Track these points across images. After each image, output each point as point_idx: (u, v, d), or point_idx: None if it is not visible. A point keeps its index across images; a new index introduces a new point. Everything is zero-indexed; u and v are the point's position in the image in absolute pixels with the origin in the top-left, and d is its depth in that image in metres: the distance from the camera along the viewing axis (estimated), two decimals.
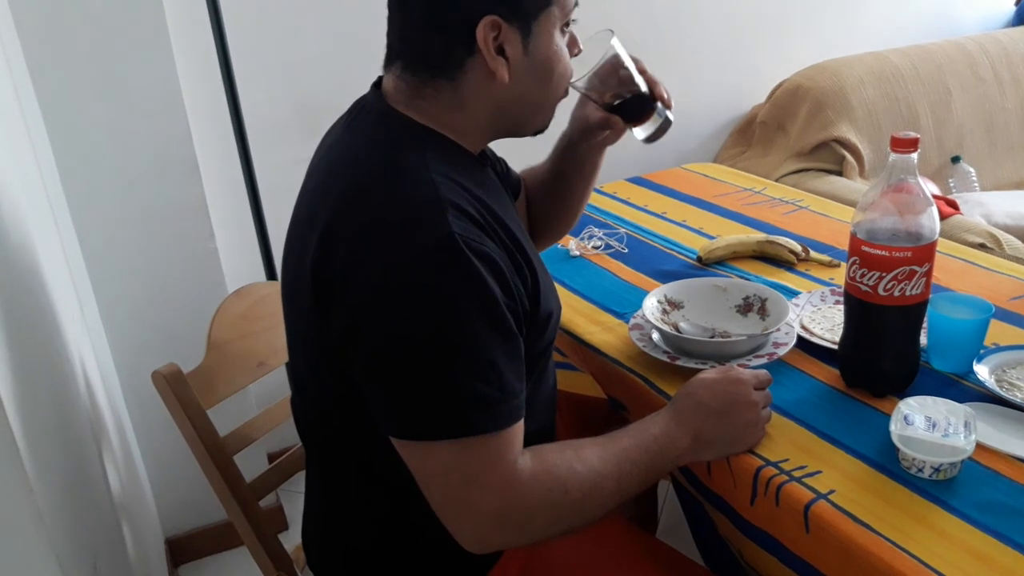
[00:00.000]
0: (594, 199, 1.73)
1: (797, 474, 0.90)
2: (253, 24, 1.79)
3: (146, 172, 1.59)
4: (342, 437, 0.94)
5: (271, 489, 1.18)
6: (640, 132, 1.06)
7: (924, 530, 0.81)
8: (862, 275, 0.96)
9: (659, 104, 1.04)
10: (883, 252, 0.93)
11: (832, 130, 2.30)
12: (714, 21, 2.38)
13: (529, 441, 0.85)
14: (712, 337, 1.14)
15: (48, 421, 0.94)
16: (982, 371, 1.01)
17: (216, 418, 1.11)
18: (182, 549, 1.89)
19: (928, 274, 0.95)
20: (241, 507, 1.10)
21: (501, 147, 1.02)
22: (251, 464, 1.21)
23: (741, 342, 1.09)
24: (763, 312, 1.17)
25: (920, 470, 0.87)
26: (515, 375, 0.82)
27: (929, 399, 0.93)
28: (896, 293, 0.94)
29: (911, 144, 0.92)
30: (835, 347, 1.08)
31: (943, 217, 1.97)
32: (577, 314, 1.27)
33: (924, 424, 0.89)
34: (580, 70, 0.98)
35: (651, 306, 1.17)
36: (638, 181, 1.85)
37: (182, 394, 1.07)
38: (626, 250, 1.49)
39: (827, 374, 1.07)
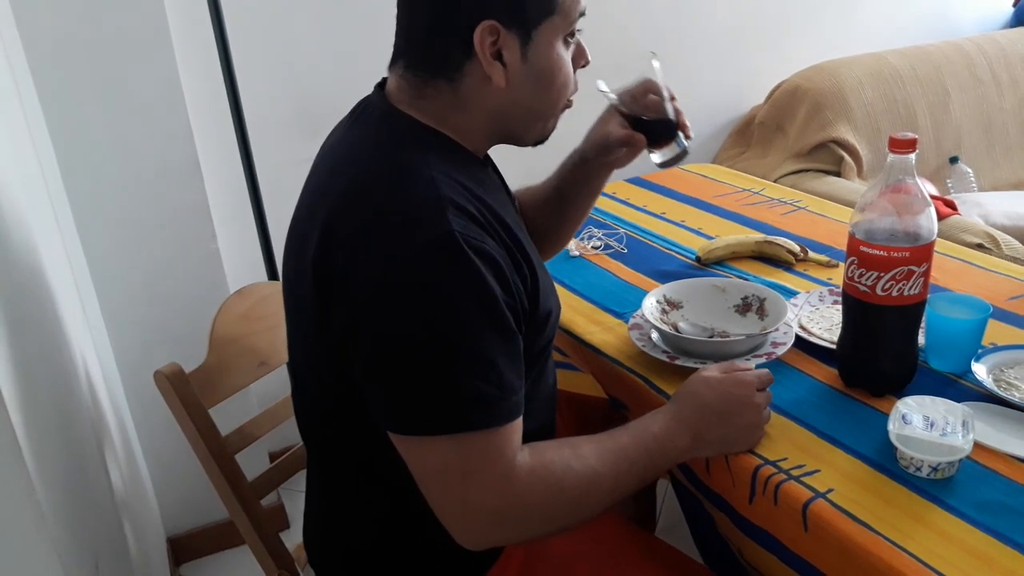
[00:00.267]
0: None
1: (796, 473, 0.90)
2: (254, 23, 1.79)
3: (148, 172, 1.59)
4: (342, 436, 0.94)
5: (272, 488, 1.19)
6: (657, 156, 1.10)
7: (922, 529, 0.81)
8: (860, 275, 0.96)
9: (681, 134, 1.08)
10: (881, 252, 0.94)
11: (830, 131, 2.30)
12: (713, 22, 2.38)
13: (528, 439, 0.85)
14: (711, 337, 1.14)
15: (50, 420, 0.94)
16: (980, 371, 1.02)
17: (217, 417, 1.11)
18: (184, 548, 1.89)
19: (926, 274, 0.95)
20: (242, 506, 1.10)
21: (501, 155, 1.02)
22: (252, 463, 1.21)
23: (740, 342, 1.10)
24: (762, 312, 1.18)
25: (918, 469, 0.88)
26: (514, 372, 0.82)
27: (927, 398, 0.94)
28: (894, 293, 0.95)
29: (909, 145, 0.92)
30: (833, 347, 1.08)
31: (941, 217, 1.98)
32: (577, 314, 1.28)
33: (922, 423, 0.89)
34: (616, 83, 1.04)
35: (650, 306, 1.17)
36: (637, 182, 1.85)
37: (184, 393, 1.07)
38: (625, 250, 1.50)
39: (825, 374, 1.07)
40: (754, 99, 2.52)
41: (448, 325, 0.78)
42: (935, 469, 0.87)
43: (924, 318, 1.01)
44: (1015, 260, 1.46)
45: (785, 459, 0.92)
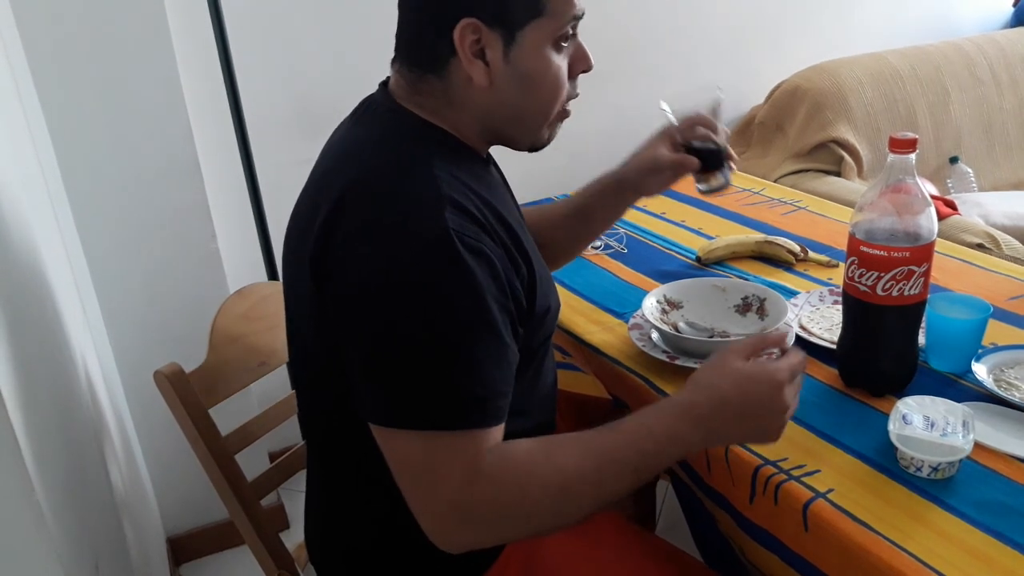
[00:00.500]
0: None
1: (796, 473, 0.90)
2: (254, 23, 1.79)
3: (148, 172, 1.59)
4: (342, 434, 0.94)
5: (272, 488, 1.19)
6: (703, 183, 1.14)
7: (922, 529, 0.81)
8: (860, 275, 0.96)
9: (727, 165, 1.12)
10: (881, 252, 0.94)
11: (830, 131, 2.30)
12: (713, 22, 2.38)
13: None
14: (711, 337, 1.14)
15: (50, 420, 0.94)
16: (980, 371, 1.02)
17: (217, 417, 1.11)
18: (183, 548, 1.89)
19: (926, 274, 0.95)
20: (242, 506, 1.10)
21: (500, 155, 1.02)
22: (252, 463, 1.21)
23: (740, 342, 1.09)
24: (762, 312, 1.18)
25: (919, 469, 0.88)
26: (498, 375, 0.81)
27: (927, 399, 0.94)
28: (894, 293, 0.95)
29: (909, 145, 0.92)
30: (834, 347, 1.08)
31: (941, 217, 1.98)
32: (577, 314, 1.28)
33: (922, 423, 0.89)
34: (679, 105, 1.11)
35: (650, 306, 1.17)
36: None
37: (184, 393, 1.07)
38: (625, 250, 1.50)
39: (826, 374, 1.07)
40: (754, 99, 2.52)
41: (435, 323, 0.78)
42: (935, 469, 0.87)
43: (924, 318, 1.01)
44: (1015, 260, 1.46)
45: (785, 459, 0.92)
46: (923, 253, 0.94)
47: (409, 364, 0.78)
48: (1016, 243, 1.96)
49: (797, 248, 1.40)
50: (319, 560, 1.05)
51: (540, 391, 1.00)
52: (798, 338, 1.12)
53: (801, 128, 2.34)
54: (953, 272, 1.32)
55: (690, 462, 1.03)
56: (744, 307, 1.19)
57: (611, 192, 1.17)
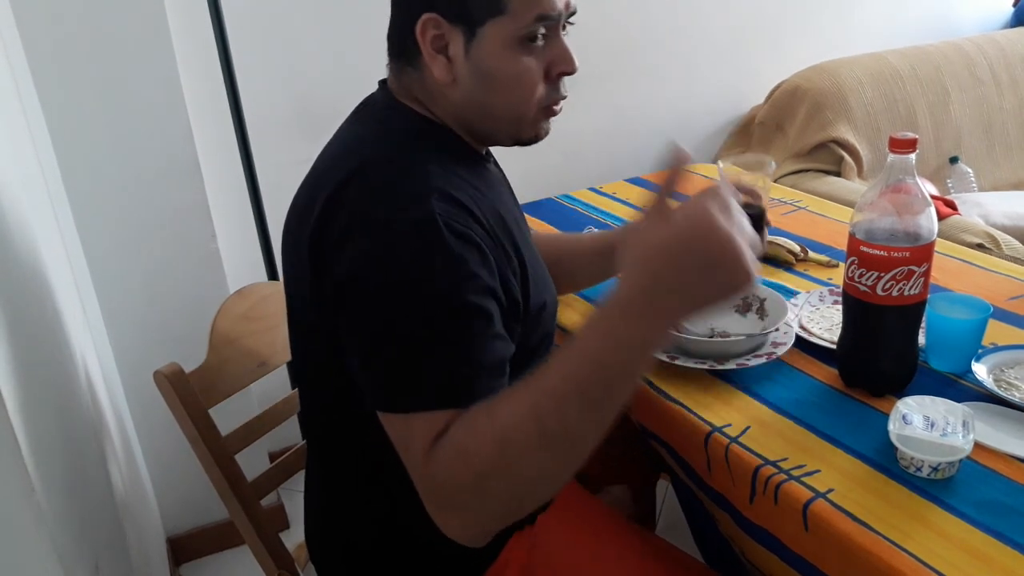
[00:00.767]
0: (594, 199, 1.74)
1: (796, 473, 0.90)
2: (254, 23, 1.79)
3: (148, 172, 1.59)
4: (342, 430, 0.95)
5: (272, 488, 1.19)
6: None
7: (923, 529, 0.81)
8: (860, 275, 0.96)
9: (765, 229, 1.13)
10: (881, 252, 0.94)
11: (830, 131, 2.30)
12: (713, 22, 2.38)
13: None
14: (711, 336, 1.14)
15: (50, 421, 0.94)
16: (980, 371, 1.02)
17: (217, 417, 1.11)
18: (183, 548, 1.89)
19: (926, 274, 0.95)
20: (242, 506, 1.10)
21: (500, 155, 1.02)
22: (252, 463, 1.21)
23: (740, 342, 1.10)
24: (762, 312, 1.18)
25: (919, 469, 0.88)
26: (464, 358, 0.76)
27: (927, 398, 0.94)
28: (894, 293, 0.95)
29: (909, 145, 0.92)
30: (834, 347, 1.08)
31: (941, 217, 1.98)
32: (577, 314, 1.28)
33: (922, 423, 0.89)
34: (731, 161, 1.18)
35: None
36: (637, 182, 1.85)
37: (184, 393, 1.07)
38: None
39: (826, 374, 1.07)
40: (754, 99, 2.52)
41: (416, 307, 0.77)
42: (935, 469, 0.87)
43: (924, 318, 1.01)
44: (1015, 260, 1.46)
45: (785, 459, 0.92)
46: (923, 253, 0.94)
47: (391, 348, 0.78)
48: (1016, 243, 1.96)
49: (797, 248, 1.40)
50: (319, 560, 1.05)
51: None
52: (798, 338, 1.13)
53: (801, 128, 2.35)
54: (953, 272, 1.32)
55: (690, 462, 1.03)
56: (744, 307, 1.19)
57: None
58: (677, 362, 1.08)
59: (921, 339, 1.02)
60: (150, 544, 1.59)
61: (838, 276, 1.32)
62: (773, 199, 1.70)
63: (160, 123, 1.57)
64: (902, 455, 0.89)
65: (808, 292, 1.26)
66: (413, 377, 0.77)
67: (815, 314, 1.19)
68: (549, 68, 0.89)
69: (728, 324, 1.18)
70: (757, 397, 1.04)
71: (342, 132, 0.94)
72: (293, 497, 1.94)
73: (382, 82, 0.96)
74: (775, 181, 2.04)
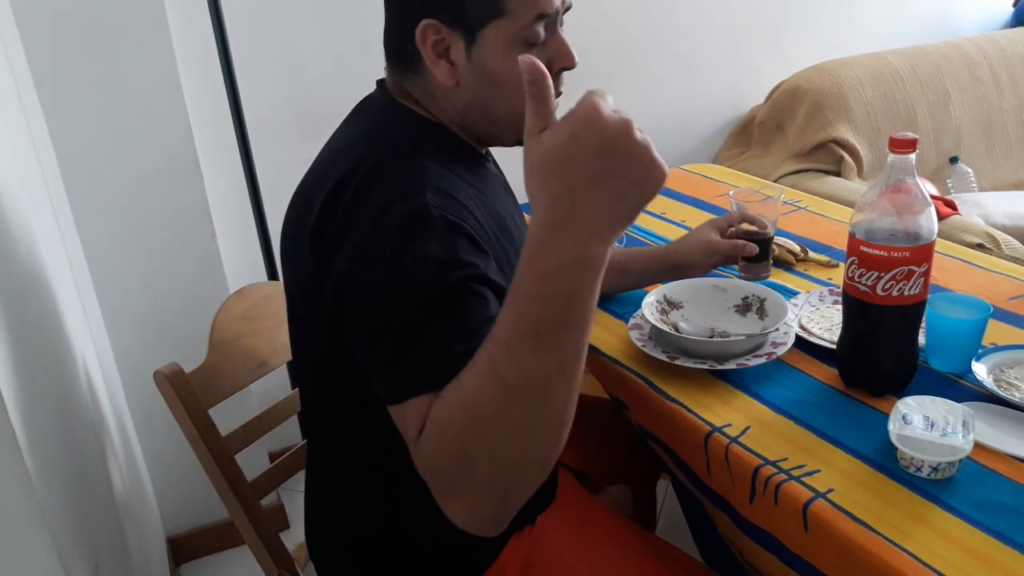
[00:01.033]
0: None
1: (796, 473, 0.90)
2: (254, 23, 1.79)
3: (148, 172, 1.59)
4: (342, 431, 0.95)
5: (272, 488, 1.19)
6: (747, 269, 1.29)
7: (922, 529, 0.81)
8: (860, 275, 0.96)
9: (770, 257, 1.31)
10: (881, 252, 0.94)
11: (830, 131, 2.30)
12: (713, 22, 2.38)
13: None
14: (711, 337, 1.14)
15: (50, 421, 0.94)
16: (980, 371, 1.02)
17: (217, 417, 1.11)
18: (183, 548, 1.89)
19: (926, 274, 0.95)
20: (242, 506, 1.11)
21: (500, 154, 1.02)
22: (252, 463, 1.21)
23: (740, 342, 1.10)
24: (762, 312, 1.18)
25: (918, 469, 0.88)
26: (457, 339, 0.73)
27: (927, 399, 0.94)
28: (894, 293, 0.95)
29: (909, 145, 0.92)
30: (834, 347, 1.08)
31: (941, 217, 1.98)
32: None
33: (922, 423, 0.89)
34: (744, 199, 1.29)
35: (650, 306, 1.17)
36: None
37: (184, 393, 1.07)
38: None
39: (826, 374, 1.07)
40: (754, 99, 2.52)
41: (406, 298, 0.76)
42: (935, 469, 0.87)
43: (924, 318, 1.01)
44: (1015, 260, 1.46)
45: (785, 459, 0.92)
46: (923, 253, 0.94)
47: (390, 340, 0.76)
48: (1016, 243, 1.96)
49: (797, 248, 1.40)
50: (319, 559, 1.05)
51: None
52: (798, 338, 1.13)
53: (801, 128, 2.35)
54: (953, 272, 1.32)
55: (689, 463, 1.03)
56: (744, 307, 1.19)
57: (659, 262, 1.27)
58: (677, 362, 1.08)
59: (921, 339, 1.02)
60: (150, 544, 1.59)
61: (838, 276, 1.32)
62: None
63: (160, 123, 1.57)
64: (902, 455, 0.89)
65: (808, 292, 1.26)
66: (408, 366, 0.76)
67: (815, 314, 1.19)
68: (550, 64, 0.88)
69: (728, 324, 1.18)
70: (757, 397, 1.04)
71: (340, 132, 0.95)
72: (293, 497, 1.94)
73: (380, 82, 0.96)
74: (775, 181, 2.04)
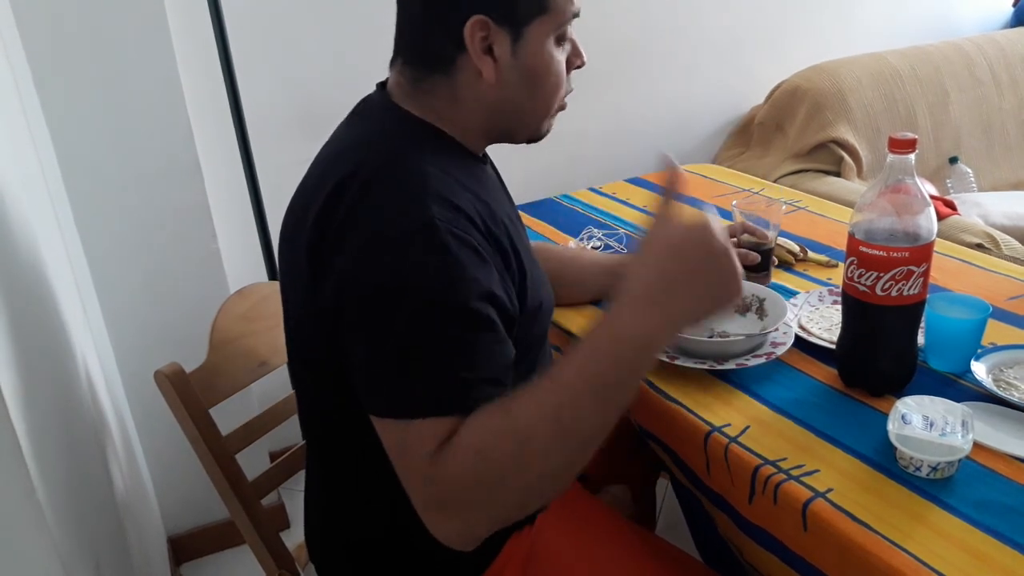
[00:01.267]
0: (593, 199, 1.74)
1: (795, 473, 0.90)
2: (254, 23, 1.79)
3: (148, 172, 1.60)
4: (341, 432, 0.95)
5: (273, 488, 1.19)
6: (748, 277, 1.26)
7: (922, 528, 0.81)
8: (860, 275, 0.96)
9: (771, 267, 1.33)
10: (881, 252, 0.94)
11: (830, 131, 2.30)
12: (713, 22, 2.38)
13: None
14: (711, 337, 1.14)
15: (51, 420, 0.94)
16: (980, 370, 1.02)
17: (218, 417, 1.11)
18: (184, 548, 1.89)
19: (926, 274, 0.95)
20: (243, 505, 1.11)
21: (501, 154, 1.02)
22: (253, 463, 1.21)
23: (739, 342, 1.10)
24: (761, 312, 1.18)
25: (918, 469, 0.88)
26: (467, 364, 0.77)
27: (927, 398, 0.94)
28: (894, 293, 0.95)
29: (909, 145, 0.92)
30: (833, 347, 1.09)
31: (941, 217, 1.98)
32: (577, 314, 1.28)
33: (922, 423, 0.89)
34: (747, 206, 1.31)
35: None
36: (637, 182, 1.85)
37: (184, 393, 1.07)
38: (625, 250, 1.50)
39: (825, 373, 1.08)
40: (754, 99, 2.52)
41: (414, 313, 0.77)
42: (934, 469, 0.87)
43: (924, 318, 1.01)
44: (1015, 260, 1.46)
45: (785, 459, 0.92)
46: (922, 253, 0.94)
47: (391, 355, 0.78)
48: (1016, 243, 1.96)
49: (797, 248, 1.40)
50: (319, 559, 1.05)
51: None
52: (798, 338, 1.13)
53: (801, 128, 2.35)
54: (952, 272, 1.32)
55: (689, 463, 1.03)
56: (744, 307, 1.19)
57: None
58: (677, 362, 1.09)
59: (920, 339, 1.02)
60: (151, 543, 1.59)
61: (837, 276, 1.32)
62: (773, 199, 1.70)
63: (160, 123, 1.58)
64: (901, 455, 0.89)
65: (808, 292, 1.27)
66: (414, 383, 0.77)
67: (814, 314, 1.19)
68: (568, 63, 0.93)
69: (728, 324, 1.18)
70: (757, 397, 1.04)
71: (339, 134, 0.94)
72: (293, 497, 1.94)
73: (380, 85, 0.96)
74: (775, 181, 2.04)
